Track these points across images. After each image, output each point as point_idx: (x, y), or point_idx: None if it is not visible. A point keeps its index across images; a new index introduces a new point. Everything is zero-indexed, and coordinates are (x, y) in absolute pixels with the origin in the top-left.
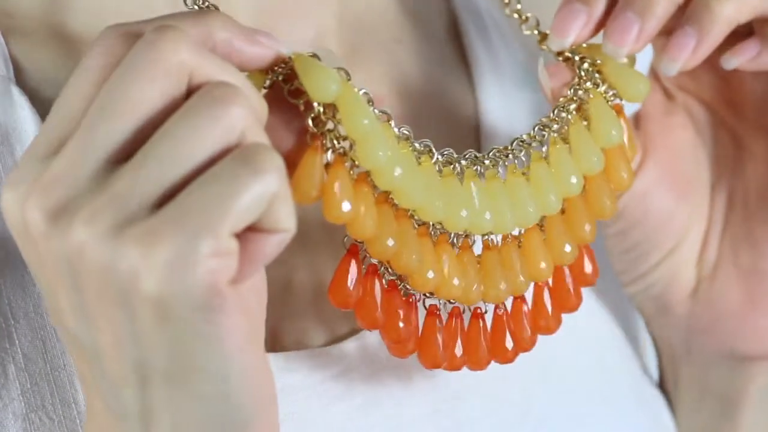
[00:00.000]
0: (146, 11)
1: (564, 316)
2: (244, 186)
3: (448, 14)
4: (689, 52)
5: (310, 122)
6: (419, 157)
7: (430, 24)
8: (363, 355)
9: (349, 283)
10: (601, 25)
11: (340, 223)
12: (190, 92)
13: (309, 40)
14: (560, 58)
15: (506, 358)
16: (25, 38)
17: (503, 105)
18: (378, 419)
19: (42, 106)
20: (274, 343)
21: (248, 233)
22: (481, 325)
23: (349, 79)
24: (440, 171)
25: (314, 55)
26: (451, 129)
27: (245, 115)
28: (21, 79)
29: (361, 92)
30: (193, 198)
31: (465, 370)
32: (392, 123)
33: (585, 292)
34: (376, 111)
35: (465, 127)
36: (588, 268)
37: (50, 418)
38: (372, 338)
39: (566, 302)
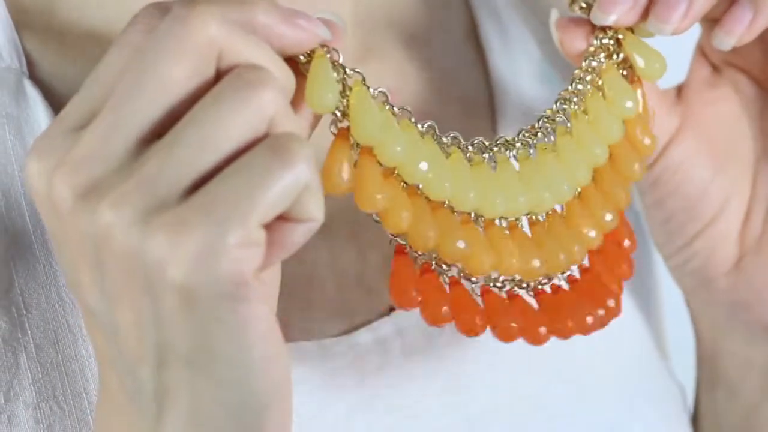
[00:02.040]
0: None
1: None
2: (275, 177)
3: (466, 12)
4: (745, 25)
5: (337, 113)
6: (448, 149)
7: (448, 21)
8: (375, 345)
9: (407, 283)
10: (648, 10)
11: (375, 212)
12: (220, 71)
13: None
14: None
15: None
16: (38, 33)
17: (520, 103)
18: (386, 411)
19: (55, 100)
20: (294, 334)
21: (276, 222)
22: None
23: (363, 81)
24: (470, 160)
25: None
26: (467, 126)
27: (276, 99)
28: (34, 73)
29: (376, 92)
30: (223, 188)
31: (479, 364)
32: (413, 119)
33: None
34: (396, 109)
35: (482, 124)
36: (626, 242)
37: (61, 407)
38: (385, 329)
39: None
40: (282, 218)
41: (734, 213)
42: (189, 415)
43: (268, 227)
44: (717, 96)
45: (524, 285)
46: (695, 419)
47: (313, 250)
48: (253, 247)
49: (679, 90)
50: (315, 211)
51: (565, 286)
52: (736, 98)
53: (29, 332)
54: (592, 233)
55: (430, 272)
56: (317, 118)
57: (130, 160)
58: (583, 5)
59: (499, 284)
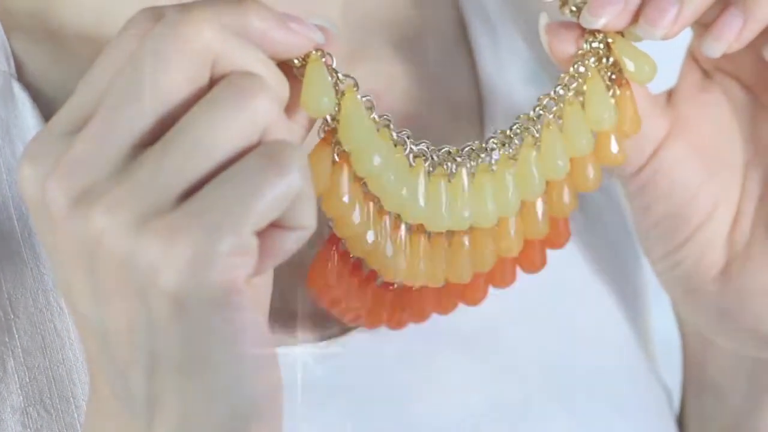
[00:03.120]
0: (142, 4)
1: (564, 312)
2: (268, 184)
3: (456, 14)
4: (735, 33)
5: (328, 118)
6: (414, 159)
7: (437, 23)
8: (372, 345)
9: (329, 273)
10: (638, 14)
11: (336, 217)
12: (214, 78)
13: None
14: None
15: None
16: (27, 35)
17: (509, 106)
18: (384, 411)
19: (43, 102)
20: (287, 339)
21: (268, 229)
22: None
23: (356, 87)
24: (431, 170)
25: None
26: (455, 128)
27: (269, 107)
28: (22, 75)
29: (364, 99)
30: (216, 194)
31: (471, 366)
32: (391, 126)
33: (592, 289)
34: (375, 116)
35: (470, 126)
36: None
37: (48, 412)
38: (381, 329)
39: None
40: (274, 225)
41: (722, 218)
42: (180, 422)
43: (260, 234)
44: (707, 101)
45: None
46: (682, 422)
47: (306, 251)
48: (245, 255)
49: (670, 94)
50: (307, 218)
51: None
52: (726, 103)
53: (17, 336)
54: (513, 245)
55: (345, 259)
56: (311, 122)
57: (124, 166)
58: (573, 8)
59: None
